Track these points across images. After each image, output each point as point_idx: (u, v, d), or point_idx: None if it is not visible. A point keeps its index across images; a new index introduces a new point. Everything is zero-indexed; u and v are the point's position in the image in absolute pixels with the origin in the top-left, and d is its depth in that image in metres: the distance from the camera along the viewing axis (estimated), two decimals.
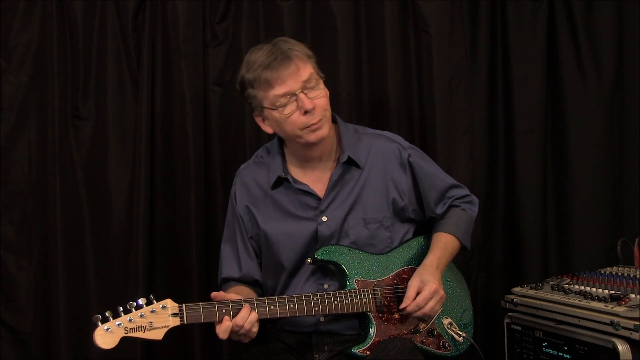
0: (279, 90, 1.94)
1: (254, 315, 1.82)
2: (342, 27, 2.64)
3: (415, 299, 1.92)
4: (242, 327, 1.80)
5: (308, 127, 1.97)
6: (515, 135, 2.80)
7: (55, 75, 2.56)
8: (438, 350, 2.03)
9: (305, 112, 1.95)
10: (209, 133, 2.66)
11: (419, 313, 1.93)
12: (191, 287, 2.58)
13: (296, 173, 2.10)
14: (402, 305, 1.94)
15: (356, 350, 1.93)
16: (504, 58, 2.82)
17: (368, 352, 1.93)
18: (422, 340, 2.01)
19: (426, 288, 1.93)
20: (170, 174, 2.63)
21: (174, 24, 2.60)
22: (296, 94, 1.94)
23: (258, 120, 2.07)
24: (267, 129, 2.06)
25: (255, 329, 1.84)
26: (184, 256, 2.61)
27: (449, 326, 2.05)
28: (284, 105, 1.95)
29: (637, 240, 2.55)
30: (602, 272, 2.45)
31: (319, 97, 1.97)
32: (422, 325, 2.02)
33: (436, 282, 1.95)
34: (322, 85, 2.01)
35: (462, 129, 2.71)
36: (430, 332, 2.03)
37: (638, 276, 2.33)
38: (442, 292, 1.96)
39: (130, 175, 2.61)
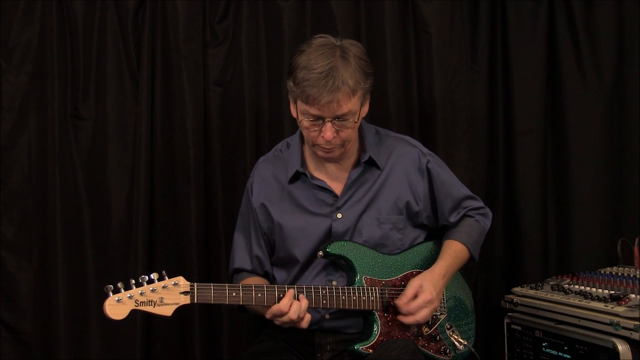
0: (312, 110, 1.91)
1: (305, 303, 1.86)
2: (342, 27, 2.64)
3: (410, 300, 1.94)
4: (285, 314, 1.84)
5: (320, 145, 1.98)
6: (515, 135, 2.80)
7: (55, 75, 2.56)
8: (438, 356, 2.03)
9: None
10: (209, 133, 2.66)
11: (410, 319, 1.95)
12: None
13: (314, 169, 2.11)
14: (398, 302, 1.95)
15: (359, 347, 1.94)
16: (504, 58, 2.82)
17: (371, 351, 1.93)
18: (424, 344, 2.01)
19: (422, 296, 1.94)
20: (170, 174, 2.64)
21: (174, 24, 2.60)
22: (324, 120, 1.92)
23: (290, 97, 2.02)
24: (292, 110, 2.03)
25: (306, 317, 1.88)
26: (184, 256, 2.61)
27: (451, 333, 2.05)
28: (310, 121, 1.94)
29: (637, 240, 2.56)
30: (602, 272, 2.45)
31: (345, 129, 1.95)
32: (425, 329, 2.02)
33: (434, 292, 1.96)
34: (356, 117, 1.96)
35: (462, 129, 2.71)
36: (432, 337, 2.03)
37: (638, 276, 2.33)
38: (436, 304, 1.98)
39: (130, 175, 2.61)
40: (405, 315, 1.95)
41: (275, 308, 1.85)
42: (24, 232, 2.58)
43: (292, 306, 1.85)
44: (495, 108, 2.84)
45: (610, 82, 2.78)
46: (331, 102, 1.88)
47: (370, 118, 2.65)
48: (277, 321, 1.87)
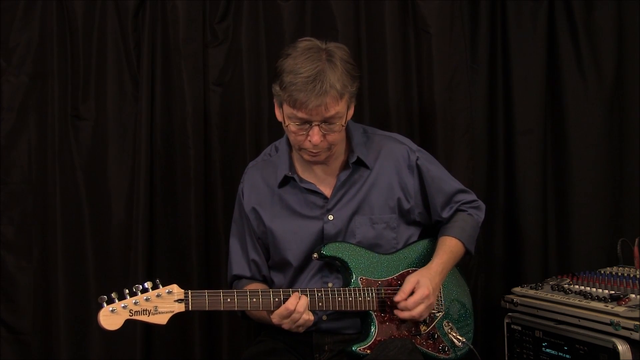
0: (299, 114, 1.91)
1: (303, 300, 1.85)
2: (342, 27, 2.64)
3: (408, 295, 1.94)
4: (293, 311, 1.83)
5: (307, 149, 1.98)
6: (515, 135, 2.80)
7: (55, 75, 2.56)
8: (437, 354, 2.03)
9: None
10: (209, 133, 2.66)
11: (406, 314, 1.95)
12: (191, 287, 2.56)
13: (303, 172, 2.11)
14: (396, 298, 1.95)
15: (356, 348, 1.94)
16: (504, 58, 2.81)
17: (368, 351, 1.93)
18: (422, 343, 2.01)
19: (418, 291, 1.94)
20: (170, 174, 2.64)
21: (174, 24, 2.60)
22: (312, 124, 1.92)
23: (275, 101, 2.02)
24: (278, 114, 2.03)
25: (310, 317, 1.87)
26: (184, 256, 2.61)
27: (449, 330, 2.05)
28: (297, 125, 1.94)
29: (637, 240, 2.56)
30: (602, 272, 2.45)
31: (332, 133, 1.95)
32: (423, 328, 2.02)
33: (431, 288, 1.96)
34: (343, 120, 1.95)
35: (462, 129, 2.71)
36: (430, 335, 2.03)
37: (638, 276, 2.33)
38: (432, 300, 1.98)
39: (130, 175, 2.61)
40: (402, 310, 1.95)
41: (282, 308, 1.85)
42: (24, 232, 2.58)
43: (300, 301, 1.85)
44: (495, 108, 2.84)
45: (610, 82, 2.78)
46: (319, 106, 1.88)
47: (370, 118, 2.67)
48: (285, 324, 1.87)
